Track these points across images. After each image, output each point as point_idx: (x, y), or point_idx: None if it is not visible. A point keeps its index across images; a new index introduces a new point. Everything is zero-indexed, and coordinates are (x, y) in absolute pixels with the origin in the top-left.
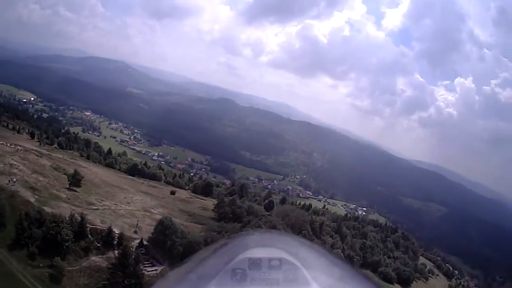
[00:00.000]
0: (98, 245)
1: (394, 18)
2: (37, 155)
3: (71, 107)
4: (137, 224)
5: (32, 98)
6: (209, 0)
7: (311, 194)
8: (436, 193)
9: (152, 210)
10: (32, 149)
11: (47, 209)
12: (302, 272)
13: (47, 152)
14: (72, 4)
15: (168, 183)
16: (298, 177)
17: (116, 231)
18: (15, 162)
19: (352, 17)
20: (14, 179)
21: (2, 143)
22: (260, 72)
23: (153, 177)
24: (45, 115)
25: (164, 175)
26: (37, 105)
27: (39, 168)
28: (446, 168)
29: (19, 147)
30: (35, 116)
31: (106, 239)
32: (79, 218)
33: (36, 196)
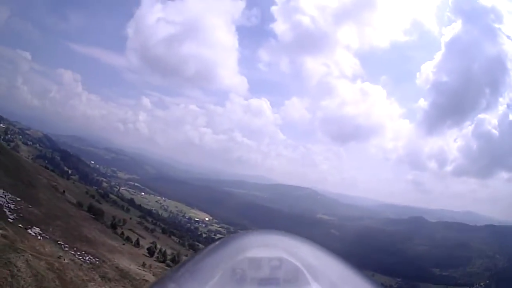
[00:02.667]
0: None
1: None
2: (101, 276)
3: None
4: None
5: (206, 219)
6: (389, 116)
7: None
8: None
9: None
10: (111, 265)
11: None
12: (302, 272)
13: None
14: (249, 131)
15: None
16: (482, 283)
17: None
18: (21, 265)
19: None
20: None
21: (59, 242)
22: (446, 183)
23: None
24: (218, 236)
25: None
26: (212, 225)
27: None
28: None
29: (81, 257)
30: (204, 235)
31: None
32: None
33: None
